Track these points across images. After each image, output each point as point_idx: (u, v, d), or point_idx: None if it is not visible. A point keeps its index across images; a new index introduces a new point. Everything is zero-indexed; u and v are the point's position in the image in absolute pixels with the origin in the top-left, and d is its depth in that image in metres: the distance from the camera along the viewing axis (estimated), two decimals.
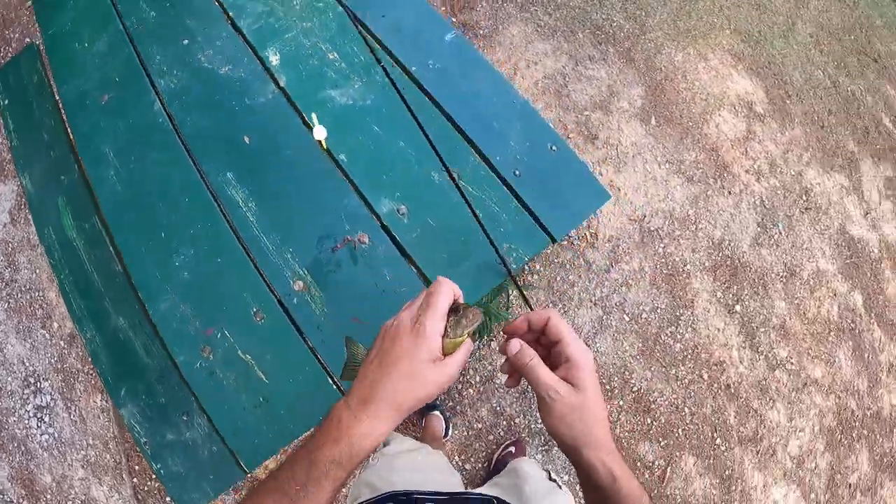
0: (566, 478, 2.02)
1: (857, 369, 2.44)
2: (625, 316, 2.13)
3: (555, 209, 1.35)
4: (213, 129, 1.32)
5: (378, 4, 1.44)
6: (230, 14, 1.48)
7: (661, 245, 2.17)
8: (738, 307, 2.21)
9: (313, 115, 1.30)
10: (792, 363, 2.27)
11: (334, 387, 1.13)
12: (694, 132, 2.35)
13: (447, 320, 0.54)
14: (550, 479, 1.12)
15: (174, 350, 1.16)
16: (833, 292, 2.40)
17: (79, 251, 1.36)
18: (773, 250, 2.33)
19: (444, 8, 2.45)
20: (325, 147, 1.28)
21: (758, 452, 2.25)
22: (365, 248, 1.19)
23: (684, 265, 2.17)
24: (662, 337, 2.14)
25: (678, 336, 2.16)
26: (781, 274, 2.32)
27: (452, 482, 1.18)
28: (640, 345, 2.12)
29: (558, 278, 2.07)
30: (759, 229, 2.30)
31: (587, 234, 2.12)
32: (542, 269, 2.05)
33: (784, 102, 2.58)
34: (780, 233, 2.35)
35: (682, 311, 2.14)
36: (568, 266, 2.08)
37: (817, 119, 2.65)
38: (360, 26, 1.42)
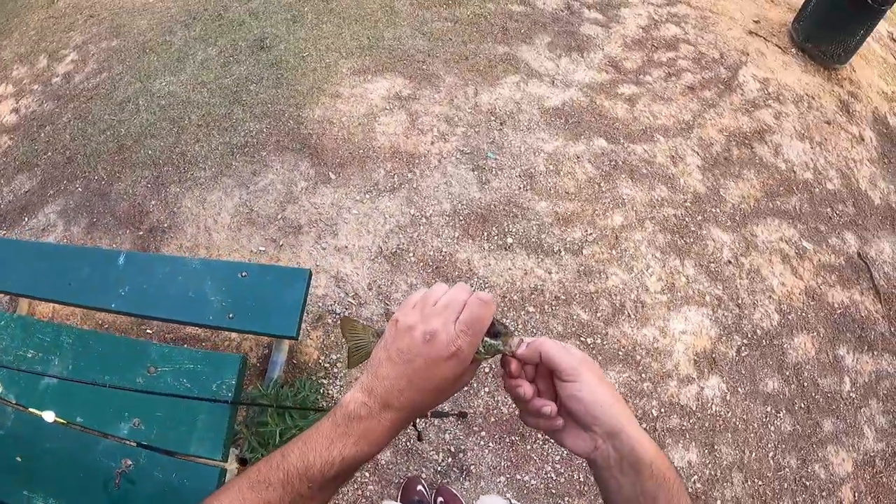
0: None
1: (647, 185, 3.08)
2: None
3: (276, 317, 2.21)
4: None
5: (58, 274, 2.18)
6: None
7: (410, 254, 2.82)
8: (509, 239, 2.85)
9: (32, 410, 2.11)
10: (590, 233, 2.92)
11: None
12: (370, 155, 3.26)
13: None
14: None
15: None
16: (576, 157, 3.12)
17: None
18: (501, 176, 3.03)
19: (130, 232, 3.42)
20: (62, 422, 2.07)
21: (630, 316, 2.96)
22: (133, 467, 1.99)
23: (440, 251, 2.81)
24: None
25: None
26: (523, 186, 3.00)
27: None
28: None
29: None
30: (476, 173, 3.01)
31: (349, 300, 2.75)
32: (339, 362, 2.74)
33: (423, 69, 3.38)
34: (496, 159, 3.07)
35: (469, 283, 2.81)
36: None
37: (453, 56, 3.48)
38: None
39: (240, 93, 3.49)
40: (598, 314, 2.86)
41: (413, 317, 0.69)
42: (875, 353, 3.12)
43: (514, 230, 2.97)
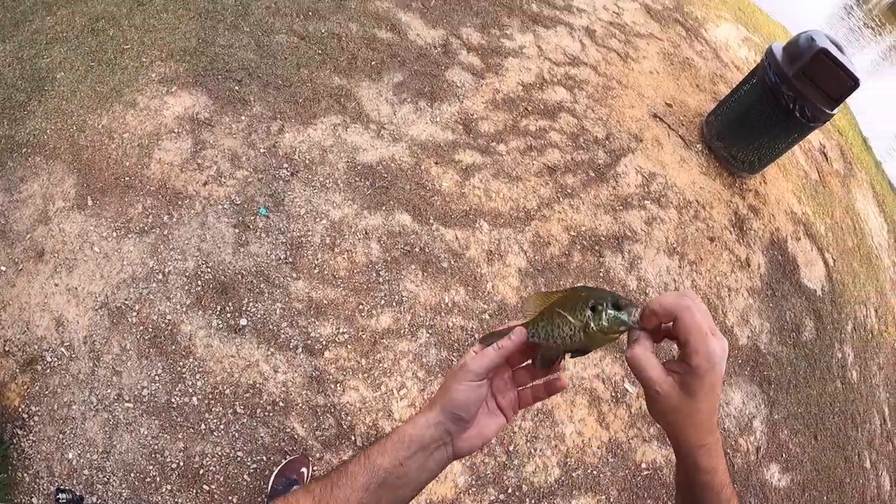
0: None
1: (441, 284, 2.70)
2: (127, 404, 2.59)
3: None
4: None
5: None
6: None
7: (133, 314, 2.49)
8: (243, 321, 2.51)
9: None
10: (342, 332, 2.57)
11: None
12: (134, 184, 2.84)
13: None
14: None
15: None
16: (364, 231, 2.73)
17: None
18: (264, 240, 2.68)
19: None
20: None
21: (356, 444, 2.59)
22: None
23: (164, 318, 2.49)
24: (174, 400, 2.53)
25: (190, 390, 2.45)
26: (285, 257, 2.64)
27: None
28: (156, 422, 2.47)
29: (51, 414, 2.37)
30: (237, 230, 2.65)
31: (62, 349, 2.44)
32: (34, 408, 2.37)
33: (235, 90, 3.01)
34: (268, 217, 2.71)
35: (181, 363, 2.42)
36: (54, 395, 2.40)
37: (276, 80, 3.08)
38: None
39: (45, 81, 3.12)
40: (319, 433, 2.44)
41: None
42: None
43: (252, 310, 2.55)
